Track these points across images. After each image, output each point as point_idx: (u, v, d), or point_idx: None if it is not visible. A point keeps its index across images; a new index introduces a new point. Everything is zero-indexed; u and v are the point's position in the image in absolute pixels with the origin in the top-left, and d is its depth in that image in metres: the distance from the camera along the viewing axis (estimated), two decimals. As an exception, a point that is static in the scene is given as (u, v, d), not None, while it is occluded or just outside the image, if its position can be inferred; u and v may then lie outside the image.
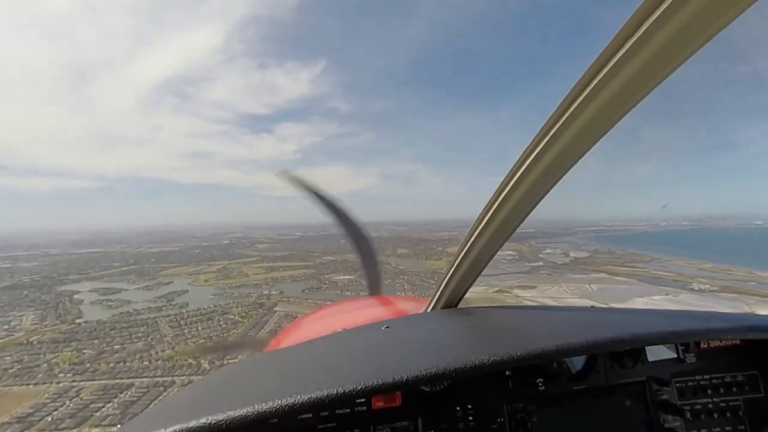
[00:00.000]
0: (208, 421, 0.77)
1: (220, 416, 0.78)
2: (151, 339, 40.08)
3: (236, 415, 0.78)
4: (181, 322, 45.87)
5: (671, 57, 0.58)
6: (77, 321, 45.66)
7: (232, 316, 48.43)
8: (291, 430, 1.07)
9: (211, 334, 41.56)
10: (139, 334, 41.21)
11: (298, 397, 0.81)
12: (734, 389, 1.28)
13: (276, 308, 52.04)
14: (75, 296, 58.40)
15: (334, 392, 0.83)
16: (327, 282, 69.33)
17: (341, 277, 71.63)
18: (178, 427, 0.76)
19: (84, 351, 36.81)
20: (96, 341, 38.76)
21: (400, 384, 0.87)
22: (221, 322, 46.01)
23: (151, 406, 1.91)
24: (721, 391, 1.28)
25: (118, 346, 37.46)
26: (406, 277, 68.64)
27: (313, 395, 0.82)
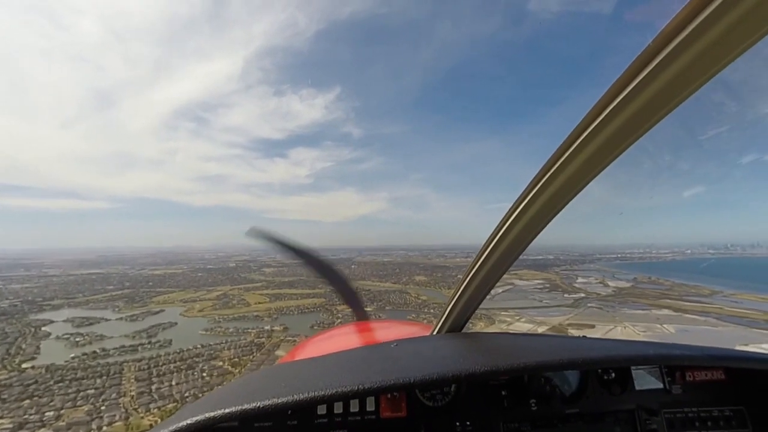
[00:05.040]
0: (245, 407, 0.95)
1: (259, 404, 0.95)
2: (104, 399, 29.54)
3: (270, 403, 0.96)
4: (154, 370, 35.33)
5: (690, 82, 0.56)
6: (24, 366, 35.73)
7: (221, 363, 37.77)
8: None
9: (186, 393, 30.84)
10: (91, 391, 30.76)
11: (319, 392, 0.98)
12: (722, 423, 1.33)
13: (278, 352, 41.20)
14: (44, 328, 49.00)
15: (349, 389, 0.99)
16: (340, 315, 58.42)
17: (356, 309, 61.50)
18: (218, 412, 0.94)
19: None
20: (26, 402, 28.44)
21: (406, 385, 1.03)
22: (204, 372, 35.29)
23: (186, 405, 1.27)
24: (709, 424, 1.33)
25: (51, 413, 26.96)
26: (431, 310, 58.09)
27: (331, 391, 0.98)
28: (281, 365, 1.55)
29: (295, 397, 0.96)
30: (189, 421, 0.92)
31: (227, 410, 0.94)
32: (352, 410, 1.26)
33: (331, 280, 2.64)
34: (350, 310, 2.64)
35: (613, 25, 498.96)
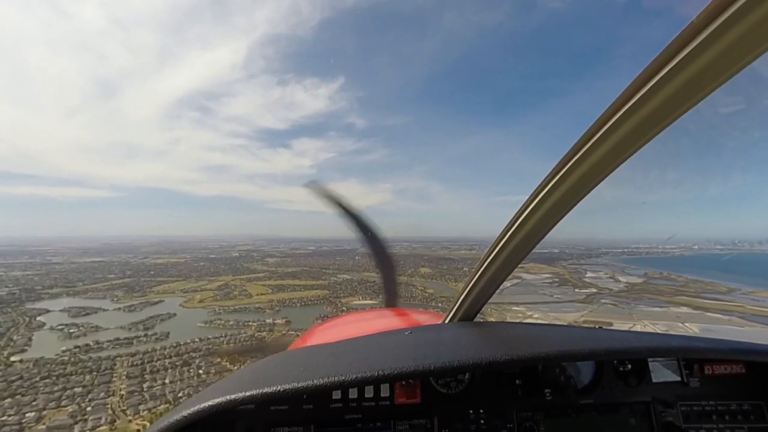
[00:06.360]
0: (265, 391, 0.95)
1: (279, 387, 0.96)
2: (91, 399, 27.61)
3: (290, 387, 0.96)
4: (147, 366, 33.42)
5: (710, 81, 0.55)
6: (12, 359, 33.96)
7: (218, 359, 35.72)
8: (322, 418, 1.23)
9: (180, 393, 28.81)
10: (79, 389, 28.85)
11: (338, 377, 0.98)
12: (739, 417, 1.32)
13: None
14: (39, 317, 47.41)
15: (369, 375, 0.99)
16: (344, 308, 56.35)
17: (361, 302, 59.96)
18: (239, 395, 0.95)
19: (-26, 423, 24.45)
20: (7, 401, 26.59)
21: (423, 372, 1.03)
22: (201, 370, 33.28)
23: (208, 387, 1.20)
24: (727, 418, 1.31)
25: (32, 414, 25.05)
26: (439, 304, 55.81)
27: (350, 376, 0.98)
28: (297, 350, 1.56)
29: (315, 381, 0.97)
30: (210, 403, 0.93)
31: (248, 393, 0.95)
32: (366, 395, 1.26)
33: (381, 261, 2.59)
34: (384, 295, 2.65)
35: (626, 15, 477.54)
